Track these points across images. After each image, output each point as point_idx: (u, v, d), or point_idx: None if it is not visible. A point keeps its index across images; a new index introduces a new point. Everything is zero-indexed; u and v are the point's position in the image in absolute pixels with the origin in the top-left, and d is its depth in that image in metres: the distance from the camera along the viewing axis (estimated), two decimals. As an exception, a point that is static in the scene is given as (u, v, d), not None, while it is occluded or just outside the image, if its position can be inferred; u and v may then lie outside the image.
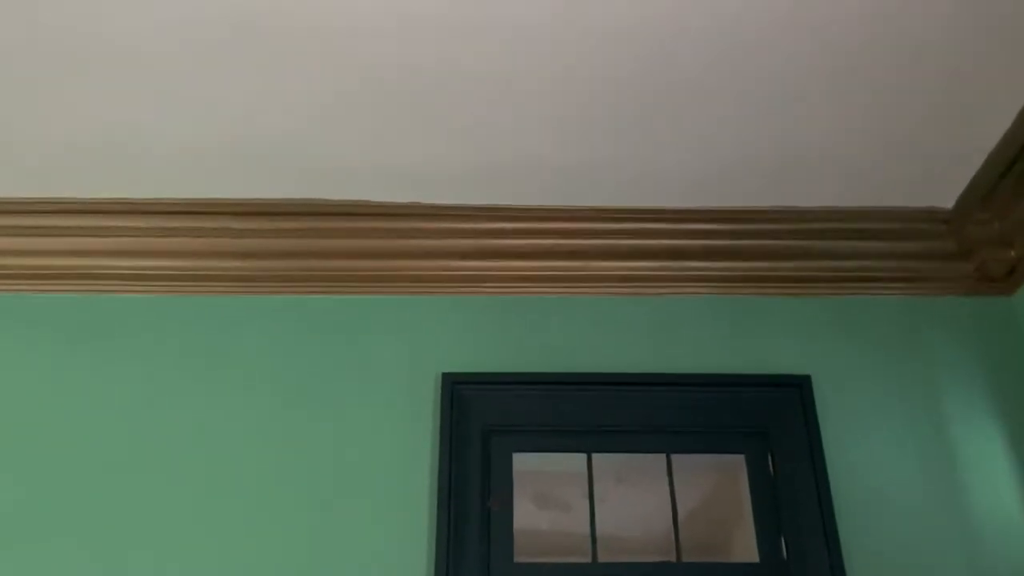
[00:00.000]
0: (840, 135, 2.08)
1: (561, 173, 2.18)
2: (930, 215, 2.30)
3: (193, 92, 1.94)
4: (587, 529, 2.03)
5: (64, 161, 2.12)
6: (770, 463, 2.10)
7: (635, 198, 2.25)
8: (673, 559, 2.01)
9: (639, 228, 2.29)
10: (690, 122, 2.04)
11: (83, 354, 2.18)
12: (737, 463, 2.14)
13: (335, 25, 1.79)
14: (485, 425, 2.11)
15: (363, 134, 2.06)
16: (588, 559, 2.00)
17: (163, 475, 2.04)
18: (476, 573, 1.93)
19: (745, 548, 2.06)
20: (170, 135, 2.05)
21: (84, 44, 1.82)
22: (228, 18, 1.77)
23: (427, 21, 1.78)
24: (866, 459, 2.10)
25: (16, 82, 1.90)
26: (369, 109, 1.99)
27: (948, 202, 2.28)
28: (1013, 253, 2.25)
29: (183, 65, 1.87)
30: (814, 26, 1.80)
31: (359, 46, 1.84)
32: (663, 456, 2.12)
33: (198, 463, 2.05)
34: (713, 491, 2.22)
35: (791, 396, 2.15)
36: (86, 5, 1.73)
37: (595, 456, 2.11)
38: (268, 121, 2.02)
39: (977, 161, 2.15)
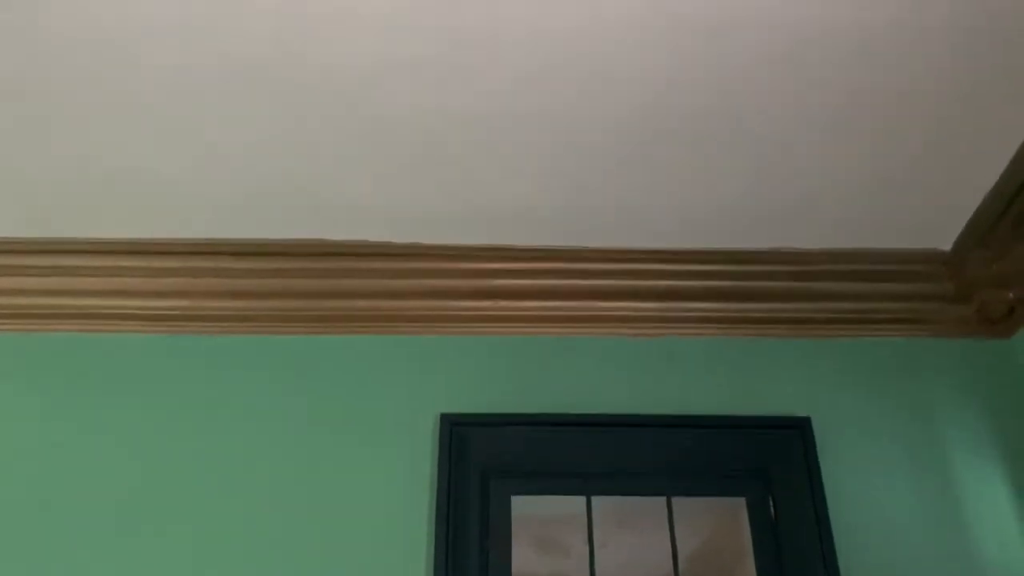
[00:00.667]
0: (838, 176, 2.09)
1: (561, 214, 2.19)
2: (928, 256, 2.31)
3: (195, 133, 1.95)
4: (587, 574, 2.00)
5: (65, 201, 2.13)
6: (771, 505, 2.08)
7: (635, 239, 2.26)
8: (674, 604, 1.99)
9: (639, 269, 2.30)
10: (689, 165, 2.05)
11: (82, 394, 2.17)
12: (738, 505, 2.12)
13: (337, 69, 1.80)
14: (484, 466, 2.09)
15: (365, 176, 2.07)
16: (588, 605, 1.97)
17: (161, 515, 2.02)
18: (474, 619, 1.91)
19: (748, 592, 2.04)
20: (172, 176, 2.06)
21: (89, 86, 1.83)
22: (233, 61, 1.78)
23: (431, 65, 1.80)
24: (867, 501, 2.08)
25: (18, 121, 1.91)
26: (370, 151, 2.00)
27: (946, 243, 2.29)
28: (1011, 295, 2.26)
29: (185, 107, 1.88)
30: (810, 71, 1.82)
31: (363, 89, 1.85)
32: (663, 499, 2.10)
33: (196, 503, 2.04)
34: (714, 534, 2.20)
35: (792, 438, 2.14)
36: (93, 48, 1.75)
37: (595, 499, 2.09)
38: (269, 163, 2.03)
39: (975, 202, 2.16)
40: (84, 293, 2.26)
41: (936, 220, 2.22)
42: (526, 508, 2.08)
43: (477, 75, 1.82)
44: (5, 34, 1.71)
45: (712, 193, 2.13)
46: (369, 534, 2.01)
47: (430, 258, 2.28)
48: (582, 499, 2.09)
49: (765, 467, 2.12)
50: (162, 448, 2.10)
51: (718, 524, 2.22)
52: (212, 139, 1.96)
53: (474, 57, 1.78)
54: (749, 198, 2.15)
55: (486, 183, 2.10)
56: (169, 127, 1.93)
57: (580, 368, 2.25)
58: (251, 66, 1.79)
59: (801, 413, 2.18)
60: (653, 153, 2.02)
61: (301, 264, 2.27)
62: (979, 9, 1.69)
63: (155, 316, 2.27)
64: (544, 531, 2.18)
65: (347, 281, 2.28)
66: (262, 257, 2.26)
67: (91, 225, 2.20)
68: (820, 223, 2.22)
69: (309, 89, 1.84)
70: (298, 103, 1.88)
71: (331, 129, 1.94)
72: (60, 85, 1.83)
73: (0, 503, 2.03)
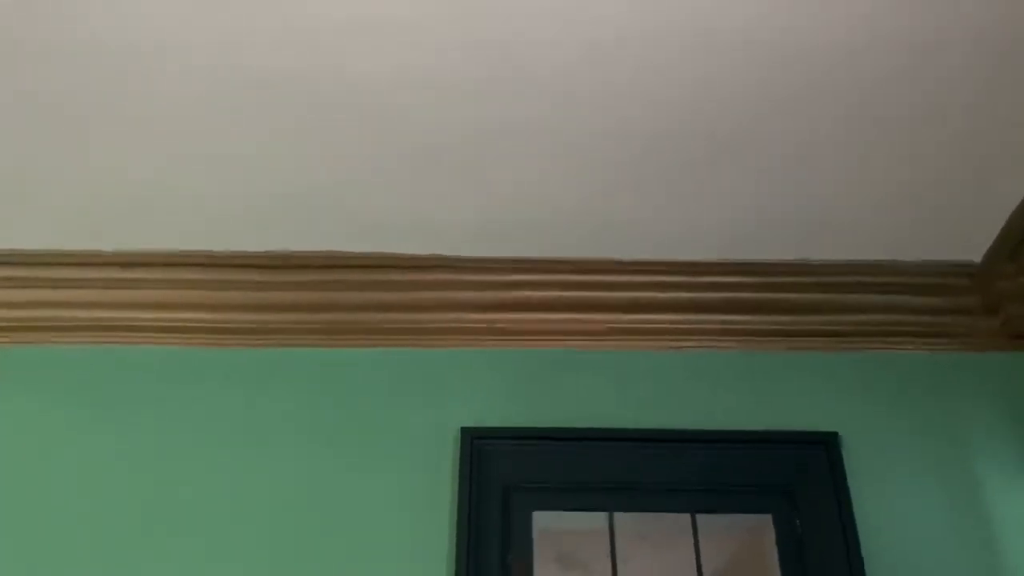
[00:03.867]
0: (866, 189, 2.07)
1: (584, 226, 2.18)
2: (957, 269, 2.28)
3: (217, 146, 1.95)
4: (610, 590, 1.98)
5: (87, 214, 2.13)
6: (797, 522, 2.05)
7: (659, 251, 2.24)
8: (699, 623, 1.96)
9: (663, 281, 2.28)
10: (716, 178, 2.04)
11: (104, 407, 2.17)
12: (764, 522, 2.08)
13: (358, 80, 1.80)
14: (505, 481, 2.07)
15: (385, 188, 2.07)
16: (611, 623, 1.95)
17: (181, 528, 2.01)
18: (497, 636, 1.89)
19: (774, 610, 2.01)
20: (192, 189, 2.06)
21: (111, 99, 1.83)
22: (254, 74, 1.79)
23: (451, 77, 1.79)
24: (895, 517, 2.05)
25: (40, 135, 1.92)
26: (390, 162, 2.00)
27: (976, 255, 2.26)
28: (1040, 309, 2.23)
29: (205, 120, 1.89)
30: (838, 85, 1.80)
31: (382, 101, 1.85)
32: (688, 516, 2.07)
33: (214, 516, 2.03)
34: (739, 551, 2.17)
35: (818, 453, 2.11)
36: (112, 60, 1.75)
37: (617, 515, 2.07)
38: (291, 175, 2.03)
39: (1005, 214, 2.13)
40: (103, 306, 2.26)
41: (965, 232, 2.20)
42: (548, 523, 2.06)
43: (497, 87, 1.82)
44: (20, 48, 1.71)
45: (738, 204, 2.11)
46: (390, 548, 1.99)
47: (450, 270, 2.27)
48: (604, 515, 2.07)
49: (791, 483, 2.09)
50: (179, 462, 2.10)
51: (743, 541, 2.19)
52: (231, 151, 1.96)
53: (494, 70, 1.78)
54: (774, 210, 2.13)
55: (508, 195, 2.09)
56: (188, 140, 1.93)
57: (602, 382, 2.23)
58: (271, 79, 1.79)
59: (828, 428, 2.15)
60: (677, 165, 2.01)
61: (321, 276, 2.26)
62: (1007, 21, 1.67)
63: (174, 328, 2.26)
64: (566, 547, 2.15)
65: (367, 294, 2.27)
66: (282, 270, 2.26)
67: (111, 238, 2.20)
68: (847, 234, 2.20)
69: (329, 101, 1.84)
70: (319, 115, 1.88)
71: (351, 141, 1.94)
72: (80, 99, 1.83)
73: (15, 514, 2.03)
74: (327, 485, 2.07)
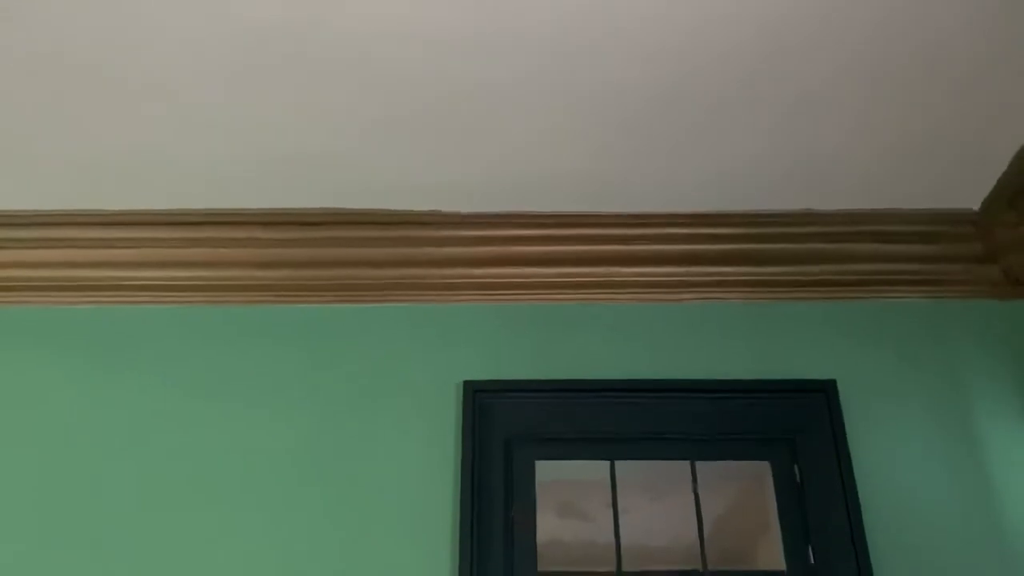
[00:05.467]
0: (864, 137, 2.06)
1: (583, 180, 2.17)
2: (956, 217, 2.27)
3: (220, 105, 1.95)
4: (611, 539, 2.01)
5: (89, 174, 2.13)
6: (796, 469, 2.07)
7: (657, 203, 2.24)
8: (699, 568, 1.99)
9: (661, 234, 2.28)
10: (713, 127, 2.03)
11: (107, 365, 2.19)
12: (763, 470, 2.11)
13: (355, 36, 1.79)
14: (507, 433, 2.10)
15: (384, 144, 2.06)
16: (613, 569, 1.98)
17: (186, 485, 2.04)
18: (500, 582, 1.92)
19: (772, 556, 2.04)
20: (194, 147, 2.06)
21: (112, 60, 1.83)
22: (249, 31, 1.77)
23: (451, 32, 1.78)
24: (894, 464, 2.07)
25: (43, 95, 1.92)
26: (389, 118, 1.99)
27: (975, 204, 2.25)
28: (1041, 255, 2.22)
29: (208, 80, 1.88)
30: (836, 30, 1.79)
31: (386, 60, 1.84)
32: (687, 464, 2.10)
33: (221, 472, 2.06)
34: (739, 499, 2.20)
35: (817, 401, 2.13)
36: (115, 23, 1.74)
37: (619, 465, 2.09)
38: (292, 133, 2.03)
39: (1004, 161, 2.12)
40: (103, 265, 2.27)
41: (965, 180, 2.19)
42: (550, 474, 2.08)
43: (497, 41, 1.80)
44: (9, 5, 1.70)
45: (736, 155, 2.10)
46: (394, 500, 2.02)
47: (452, 226, 2.27)
48: (606, 464, 2.10)
49: (790, 431, 2.11)
50: (179, 419, 2.12)
51: (743, 489, 2.22)
52: (230, 109, 1.96)
53: (494, 24, 1.76)
54: (774, 160, 2.12)
55: (506, 150, 2.08)
56: (186, 99, 1.93)
57: (603, 334, 2.24)
58: (266, 35, 1.78)
59: (827, 376, 2.16)
60: (676, 118, 2.00)
61: (322, 233, 2.27)
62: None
63: (177, 287, 2.28)
64: (568, 497, 2.19)
65: (368, 250, 2.28)
66: (284, 227, 2.26)
67: (110, 197, 2.20)
68: (847, 184, 2.19)
69: (327, 56, 1.83)
70: (316, 71, 1.87)
71: (350, 97, 1.93)
72: (73, 57, 1.82)
73: (23, 474, 2.06)
74: (330, 439, 2.09)
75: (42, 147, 2.05)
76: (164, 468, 2.06)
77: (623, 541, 2.01)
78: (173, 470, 2.06)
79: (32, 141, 2.04)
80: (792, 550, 1.99)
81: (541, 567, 1.95)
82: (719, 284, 2.29)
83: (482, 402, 2.12)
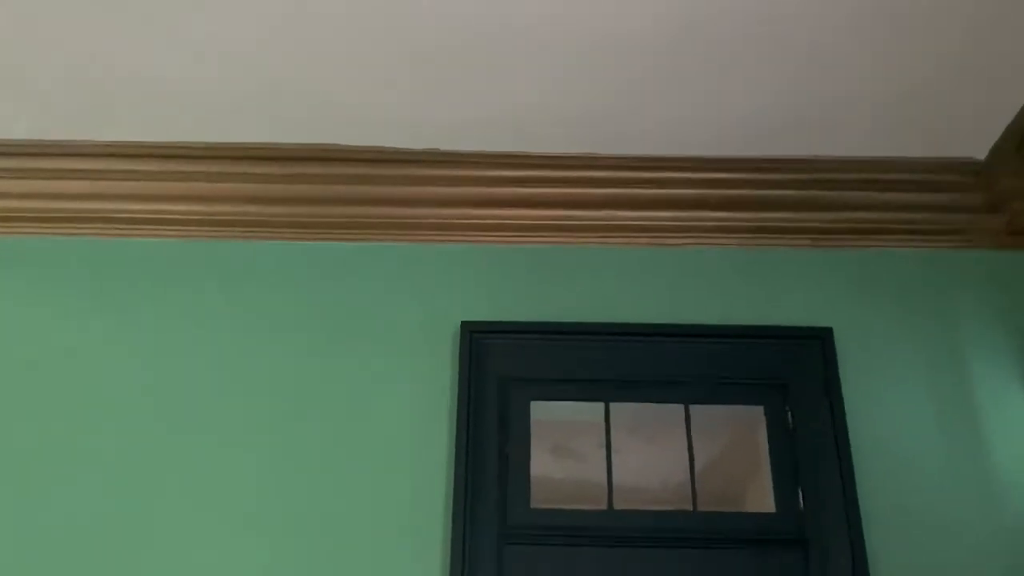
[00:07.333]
0: (868, 82, 2.02)
1: (583, 121, 2.15)
2: (960, 166, 2.25)
3: (212, 36, 1.92)
4: (603, 478, 2.03)
5: (80, 103, 2.11)
6: (789, 415, 2.08)
7: (657, 147, 2.22)
8: (690, 509, 2.01)
9: (660, 177, 2.26)
10: (714, 72, 2.00)
11: (97, 298, 2.19)
12: (756, 415, 2.12)
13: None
14: (503, 374, 2.10)
15: (381, 79, 2.03)
16: (604, 507, 2.01)
17: (177, 419, 2.06)
18: (493, 518, 1.95)
19: (762, 499, 2.06)
20: (188, 79, 2.04)
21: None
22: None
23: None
24: (886, 412, 2.08)
25: (34, 22, 1.89)
26: (386, 53, 1.96)
27: (981, 152, 2.23)
28: (1045, 205, 2.20)
29: (208, 10, 1.85)
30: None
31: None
32: (681, 407, 2.11)
33: (215, 405, 2.07)
34: (731, 443, 2.22)
35: (812, 348, 2.13)
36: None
37: (613, 407, 2.11)
38: (288, 66, 2.00)
39: (1012, 110, 2.09)
40: (96, 197, 2.25)
41: (971, 129, 2.16)
42: (545, 415, 2.10)
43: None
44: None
45: (740, 100, 2.08)
46: (390, 436, 2.04)
47: (449, 165, 2.25)
48: (600, 406, 2.11)
49: (784, 377, 2.11)
50: (173, 354, 2.12)
51: (735, 434, 2.24)
52: (223, 39, 1.93)
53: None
54: (778, 105, 2.09)
55: (506, 87, 2.05)
56: (178, 27, 1.90)
57: (600, 277, 2.24)
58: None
59: (823, 324, 2.16)
60: (680, 59, 1.96)
61: (320, 170, 2.25)
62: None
63: (170, 221, 2.26)
64: (562, 438, 2.21)
65: (367, 188, 2.26)
66: (279, 162, 2.24)
67: (102, 128, 2.18)
68: (851, 131, 2.16)
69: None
70: (318, 7, 1.83)
71: (346, 30, 1.90)
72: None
73: (20, 406, 2.07)
74: (328, 377, 2.11)
75: (35, 76, 2.03)
76: (152, 400, 2.07)
77: (615, 481, 2.03)
78: (165, 402, 2.07)
79: (24, 70, 2.01)
80: (782, 494, 2.01)
81: (534, 504, 1.98)
82: (719, 230, 2.28)
83: (479, 343, 2.12)
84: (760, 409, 2.11)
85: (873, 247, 2.28)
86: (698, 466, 2.06)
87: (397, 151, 2.24)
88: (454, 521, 1.92)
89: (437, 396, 2.09)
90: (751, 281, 2.24)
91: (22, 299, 2.20)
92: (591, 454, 2.12)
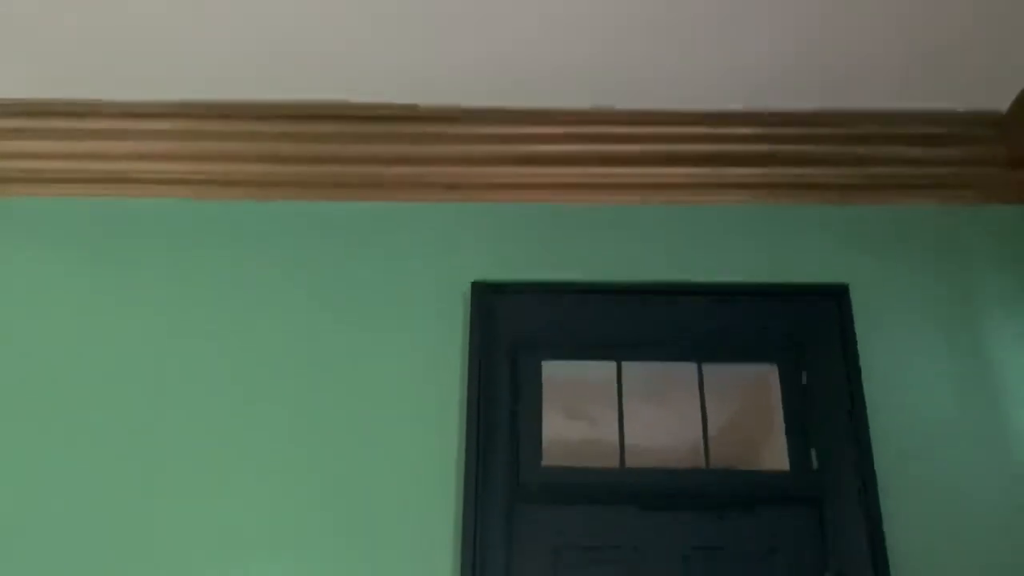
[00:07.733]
0: (888, 35, 1.98)
1: (596, 77, 2.11)
2: (981, 119, 2.20)
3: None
4: (615, 438, 2.03)
5: (90, 62, 2.10)
6: (803, 373, 2.06)
7: (670, 102, 2.18)
8: (702, 467, 2.01)
9: (674, 133, 2.23)
10: (729, 25, 1.96)
11: (108, 258, 2.19)
12: (769, 373, 2.11)
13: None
14: (515, 334, 2.10)
15: (394, 38, 2.01)
16: (616, 465, 2.00)
17: (188, 378, 2.06)
18: (505, 475, 1.95)
19: (775, 457, 2.05)
20: (199, 37, 2.02)
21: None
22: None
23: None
24: (902, 370, 2.06)
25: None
26: (403, 14, 1.94)
27: (1002, 105, 2.18)
28: (1068, 160, 2.16)
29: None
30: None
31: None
32: (694, 366, 2.10)
33: (224, 365, 2.07)
34: (744, 403, 2.21)
35: (828, 306, 2.11)
36: None
37: (625, 366, 2.09)
38: (299, 24, 1.97)
39: (1035, 61, 2.05)
40: (106, 157, 2.25)
41: (993, 81, 2.11)
42: (557, 374, 2.09)
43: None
44: None
45: (761, 54, 2.04)
46: (401, 398, 2.04)
47: (460, 122, 2.23)
48: (612, 366, 2.10)
49: (799, 335, 2.10)
50: (183, 312, 2.13)
51: (749, 393, 2.22)
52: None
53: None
54: (792, 58, 2.05)
55: (519, 41, 2.02)
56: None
57: (614, 235, 2.21)
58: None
59: (839, 280, 2.14)
60: (691, 15, 1.93)
61: (330, 128, 2.23)
62: None
63: (179, 180, 2.26)
64: (574, 399, 2.20)
65: (378, 147, 2.24)
66: (290, 121, 2.22)
67: (112, 87, 2.17)
68: (873, 84, 2.12)
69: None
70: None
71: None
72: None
73: (29, 365, 2.08)
74: (339, 335, 2.10)
75: (43, 35, 2.01)
76: (161, 359, 2.08)
77: (627, 440, 2.02)
78: (170, 362, 2.07)
79: (33, 28, 1.99)
80: (796, 452, 2.00)
81: (546, 462, 1.98)
82: (732, 186, 2.25)
83: (490, 302, 2.11)
84: (774, 367, 2.09)
85: (891, 203, 2.24)
86: (711, 425, 2.05)
87: (408, 108, 2.22)
88: (466, 479, 1.92)
89: (448, 356, 2.08)
90: (767, 238, 2.21)
91: (33, 259, 2.20)
92: (603, 414, 2.11)
